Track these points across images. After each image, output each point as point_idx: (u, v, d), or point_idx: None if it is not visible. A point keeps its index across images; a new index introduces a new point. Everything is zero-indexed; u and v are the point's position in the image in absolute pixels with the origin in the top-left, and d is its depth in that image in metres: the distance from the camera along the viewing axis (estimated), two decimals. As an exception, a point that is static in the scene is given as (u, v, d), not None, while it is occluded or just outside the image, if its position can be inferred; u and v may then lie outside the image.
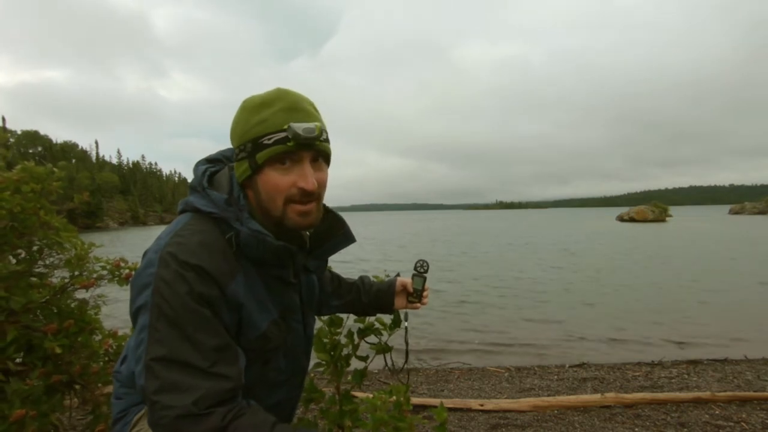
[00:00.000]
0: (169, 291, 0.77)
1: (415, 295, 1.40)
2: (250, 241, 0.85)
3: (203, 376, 0.76)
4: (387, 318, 1.79)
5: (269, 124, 0.84)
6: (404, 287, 1.43)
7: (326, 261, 1.19)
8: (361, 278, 1.47)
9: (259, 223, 0.90)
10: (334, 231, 1.07)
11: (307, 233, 1.05)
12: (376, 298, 1.41)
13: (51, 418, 1.54)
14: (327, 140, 0.91)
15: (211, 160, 1.00)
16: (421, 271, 1.39)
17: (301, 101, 0.88)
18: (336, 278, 1.43)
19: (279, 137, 0.83)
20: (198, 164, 0.99)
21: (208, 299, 0.79)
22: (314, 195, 0.88)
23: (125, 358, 1.06)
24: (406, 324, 1.49)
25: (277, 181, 0.86)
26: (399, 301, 1.43)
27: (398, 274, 1.50)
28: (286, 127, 0.83)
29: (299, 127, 0.82)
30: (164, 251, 0.81)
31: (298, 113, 0.86)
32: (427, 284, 1.41)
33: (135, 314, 0.82)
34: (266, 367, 0.96)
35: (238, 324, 0.87)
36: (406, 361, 1.50)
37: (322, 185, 0.91)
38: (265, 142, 0.84)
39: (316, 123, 0.85)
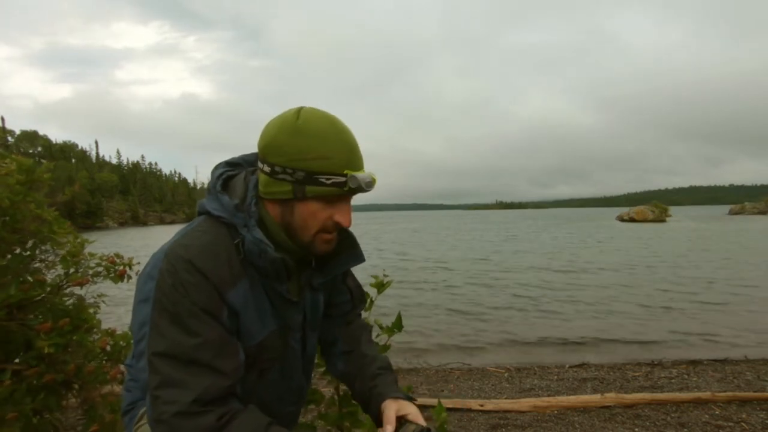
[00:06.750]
0: (171, 288, 0.80)
1: None
2: (252, 249, 0.86)
3: (202, 372, 0.78)
4: (386, 320, 1.75)
5: (331, 165, 0.84)
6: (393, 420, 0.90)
7: (332, 278, 1.08)
8: (374, 356, 1.11)
9: (275, 236, 0.91)
10: (343, 248, 1.05)
11: None
12: (367, 393, 1.02)
13: (49, 418, 1.52)
14: None
15: (230, 164, 1.01)
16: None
17: (356, 142, 0.90)
18: (359, 332, 1.16)
19: (338, 181, 0.84)
20: (216, 167, 1.00)
21: (208, 301, 0.81)
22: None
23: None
24: None
25: (319, 213, 0.88)
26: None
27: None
28: (346, 173, 0.84)
29: (363, 179, 0.85)
30: (171, 249, 0.84)
31: (356, 158, 0.87)
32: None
33: (138, 304, 0.87)
34: (262, 379, 0.96)
35: (237, 330, 0.88)
36: None
37: None
38: (323, 180, 0.84)
39: (373, 176, 0.88)
